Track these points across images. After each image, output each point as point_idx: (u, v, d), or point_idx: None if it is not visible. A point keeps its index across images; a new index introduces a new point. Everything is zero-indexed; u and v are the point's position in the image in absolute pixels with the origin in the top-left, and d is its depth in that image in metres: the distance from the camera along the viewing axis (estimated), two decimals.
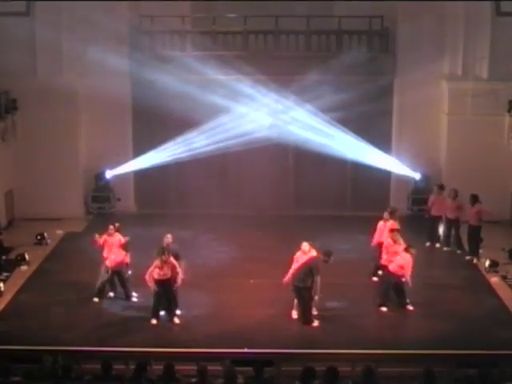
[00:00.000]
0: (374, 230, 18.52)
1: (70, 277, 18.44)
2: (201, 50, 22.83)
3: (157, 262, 15.81)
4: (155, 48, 23.20)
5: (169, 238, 16.88)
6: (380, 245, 18.07)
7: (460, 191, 20.52)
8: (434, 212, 20.90)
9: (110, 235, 17.27)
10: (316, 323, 15.92)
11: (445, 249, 20.69)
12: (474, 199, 19.95)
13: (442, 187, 21.12)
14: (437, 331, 15.72)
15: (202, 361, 12.26)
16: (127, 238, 17.21)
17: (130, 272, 17.25)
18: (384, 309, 16.68)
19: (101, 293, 17.04)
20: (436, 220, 21.02)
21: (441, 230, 21.04)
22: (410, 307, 16.70)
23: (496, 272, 19.05)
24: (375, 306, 16.88)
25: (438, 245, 20.92)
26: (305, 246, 16.44)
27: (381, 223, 18.44)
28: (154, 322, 15.97)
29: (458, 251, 20.39)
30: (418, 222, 21.66)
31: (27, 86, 22.43)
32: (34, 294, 17.61)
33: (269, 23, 23.15)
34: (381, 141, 23.14)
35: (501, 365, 12.34)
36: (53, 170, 23.03)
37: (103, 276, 16.99)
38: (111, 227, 17.32)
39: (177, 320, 16.03)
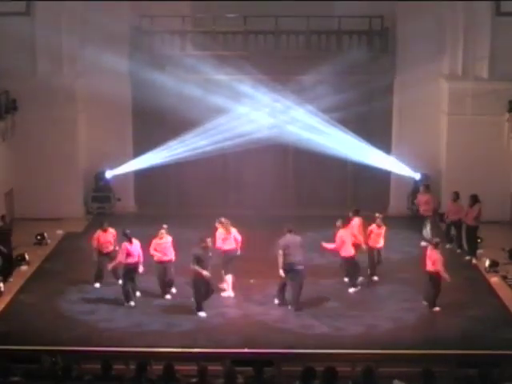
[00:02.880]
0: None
1: (70, 277, 18.48)
2: (201, 49, 22.85)
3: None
4: (155, 48, 23.20)
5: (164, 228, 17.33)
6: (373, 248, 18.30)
7: (460, 191, 20.50)
8: (422, 211, 20.94)
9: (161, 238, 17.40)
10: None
11: (447, 246, 20.28)
12: (474, 199, 19.93)
13: (428, 187, 21.11)
14: (437, 331, 15.75)
15: (202, 361, 12.26)
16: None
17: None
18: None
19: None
20: (424, 219, 21.00)
21: (428, 228, 20.95)
22: (437, 308, 16.69)
23: (496, 272, 19.05)
24: (374, 306, 16.93)
25: (423, 243, 20.65)
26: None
27: (373, 227, 18.33)
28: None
29: (458, 250, 20.35)
30: (417, 221, 21.62)
31: (27, 86, 22.42)
32: (33, 294, 17.63)
33: (269, 23, 23.14)
34: (381, 141, 23.14)
35: (501, 365, 12.33)
36: (53, 169, 23.03)
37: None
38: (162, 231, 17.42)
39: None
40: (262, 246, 19.21)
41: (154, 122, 23.21)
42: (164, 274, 17.23)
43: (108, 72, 22.08)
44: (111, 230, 17.95)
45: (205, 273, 16.05)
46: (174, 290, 17.41)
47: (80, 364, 12.77)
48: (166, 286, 17.32)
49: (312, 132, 22.62)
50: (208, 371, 11.29)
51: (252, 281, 18.15)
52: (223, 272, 17.39)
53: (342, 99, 22.26)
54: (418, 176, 23.18)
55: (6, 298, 17.31)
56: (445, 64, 23.22)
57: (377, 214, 18.55)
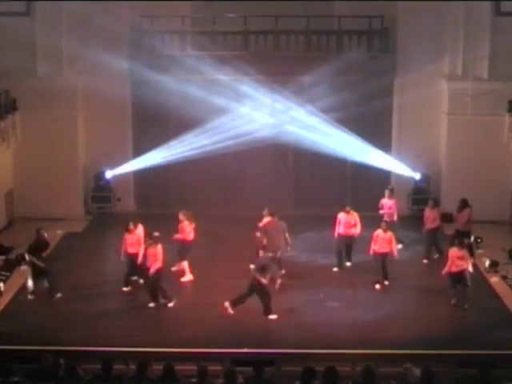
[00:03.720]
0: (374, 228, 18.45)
1: (70, 277, 18.47)
2: (201, 50, 22.84)
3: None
4: (155, 48, 23.19)
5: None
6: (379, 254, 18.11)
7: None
8: (386, 216, 20.05)
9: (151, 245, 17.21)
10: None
11: (424, 261, 19.82)
12: (463, 204, 19.63)
13: (392, 191, 20.88)
14: (437, 331, 15.74)
15: (202, 361, 12.26)
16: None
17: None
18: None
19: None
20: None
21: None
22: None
23: (496, 272, 19.05)
24: (374, 306, 16.93)
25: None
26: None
27: (379, 231, 18.16)
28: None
29: (425, 261, 19.75)
30: (417, 221, 21.60)
31: (27, 86, 22.42)
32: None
33: (269, 23, 23.14)
34: (381, 141, 23.14)
35: (501, 365, 12.33)
36: (53, 169, 23.04)
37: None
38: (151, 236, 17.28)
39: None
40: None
41: (154, 122, 23.20)
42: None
43: (108, 72, 22.08)
44: (137, 231, 17.71)
45: (263, 280, 16.21)
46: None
47: (80, 364, 12.77)
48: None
49: (312, 132, 22.63)
50: (208, 371, 11.30)
51: None
52: (181, 259, 18.55)
53: (342, 99, 22.29)
54: (417, 176, 23.20)
55: (6, 298, 17.31)
56: (445, 64, 23.23)
57: (384, 218, 18.51)
